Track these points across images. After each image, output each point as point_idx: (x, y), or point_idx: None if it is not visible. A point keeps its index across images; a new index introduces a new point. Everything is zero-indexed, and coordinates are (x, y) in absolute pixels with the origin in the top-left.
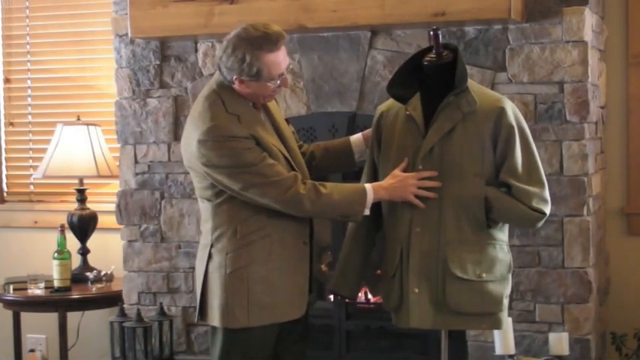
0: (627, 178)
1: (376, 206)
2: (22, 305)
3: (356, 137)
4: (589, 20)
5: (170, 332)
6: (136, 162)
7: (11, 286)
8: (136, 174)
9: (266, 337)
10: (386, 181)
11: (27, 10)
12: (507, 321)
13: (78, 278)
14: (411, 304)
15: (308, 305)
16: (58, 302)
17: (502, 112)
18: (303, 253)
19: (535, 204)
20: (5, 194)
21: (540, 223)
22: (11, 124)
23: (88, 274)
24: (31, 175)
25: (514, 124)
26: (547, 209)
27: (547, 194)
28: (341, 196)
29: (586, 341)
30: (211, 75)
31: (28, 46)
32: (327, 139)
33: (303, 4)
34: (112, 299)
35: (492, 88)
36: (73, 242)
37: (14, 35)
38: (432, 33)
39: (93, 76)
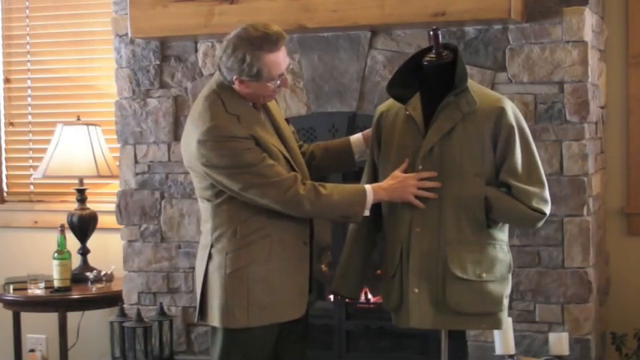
0: (627, 178)
1: (376, 207)
2: (22, 305)
3: (356, 137)
4: (589, 20)
5: (170, 332)
6: (136, 162)
7: (11, 286)
8: (136, 174)
9: (266, 337)
10: (386, 182)
11: (27, 10)
12: (507, 321)
13: (78, 278)
14: (410, 304)
15: (308, 305)
16: (58, 302)
17: (502, 112)
18: (303, 254)
19: (535, 204)
20: (5, 194)
21: (540, 223)
22: (11, 124)
23: (88, 274)
24: (31, 175)
25: (514, 124)
26: (547, 209)
27: (547, 194)
28: (341, 196)
29: (586, 341)
30: (211, 75)
31: (28, 46)
32: (327, 139)
33: (303, 4)
34: (112, 299)
35: (492, 88)
36: (73, 242)
37: (14, 35)
38: (432, 33)
39: (93, 76)
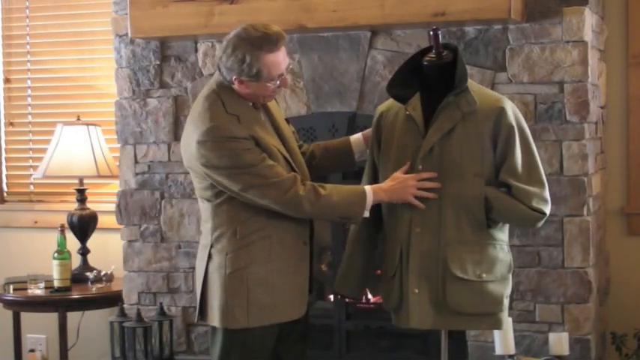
0: (627, 178)
1: (377, 208)
2: (22, 305)
3: (356, 137)
4: (589, 20)
5: (170, 332)
6: (136, 162)
7: (11, 286)
8: (136, 174)
9: (266, 337)
10: (386, 183)
11: (27, 10)
12: (507, 321)
13: (78, 278)
14: (411, 304)
15: (308, 305)
16: (58, 302)
17: (502, 112)
18: (303, 254)
19: (535, 204)
20: (5, 194)
21: (540, 223)
22: (11, 124)
23: (88, 274)
24: (31, 175)
25: (514, 124)
26: (547, 209)
27: (547, 194)
28: (340, 197)
29: (586, 341)
30: (211, 75)
31: (28, 46)
32: (327, 139)
33: (303, 4)
34: (112, 299)
35: (492, 88)
36: (73, 242)
37: (14, 35)
38: (431, 33)
39: (93, 76)
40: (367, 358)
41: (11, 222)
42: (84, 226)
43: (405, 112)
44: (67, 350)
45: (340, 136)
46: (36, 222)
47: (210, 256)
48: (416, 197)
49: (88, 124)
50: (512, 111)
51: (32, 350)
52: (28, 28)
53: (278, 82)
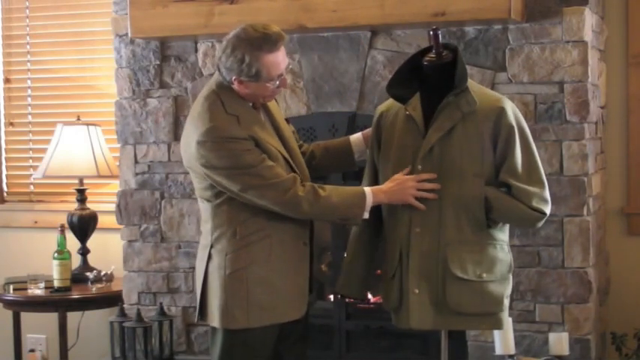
0: (627, 178)
1: (378, 209)
2: (22, 305)
3: (356, 137)
4: (589, 20)
5: (170, 332)
6: (136, 162)
7: (11, 286)
8: (136, 174)
9: (266, 337)
10: (385, 185)
11: (27, 10)
12: (507, 321)
13: (78, 278)
14: (411, 304)
15: (308, 305)
16: (58, 302)
17: (502, 112)
18: (303, 254)
19: (535, 204)
20: (5, 194)
21: (540, 223)
22: (11, 124)
23: (88, 274)
24: (31, 175)
25: (514, 124)
26: (547, 209)
27: (547, 194)
28: (340, 198)
29: (586, 341)
30: (211, 75)
31: (28, 46)
32: (327, 139)
33: (303, 4)
34: (112, 299)
35: (492, 88)
36: (73, 242)
37: (14, 35)
38: (431, 33)
39: (93, 76)
40: (367, 358)
41: (11, 222)
42: (84, 226)
43: (405, 112)
44: (67, 350)
45: (340, 136)
46: (36, 222)
47: (210, 257)
48: (416, 198)
49: (88, 124)
50: (512, 111)
51: (32, 350)
52: (28, 28)
53: (277, 83)
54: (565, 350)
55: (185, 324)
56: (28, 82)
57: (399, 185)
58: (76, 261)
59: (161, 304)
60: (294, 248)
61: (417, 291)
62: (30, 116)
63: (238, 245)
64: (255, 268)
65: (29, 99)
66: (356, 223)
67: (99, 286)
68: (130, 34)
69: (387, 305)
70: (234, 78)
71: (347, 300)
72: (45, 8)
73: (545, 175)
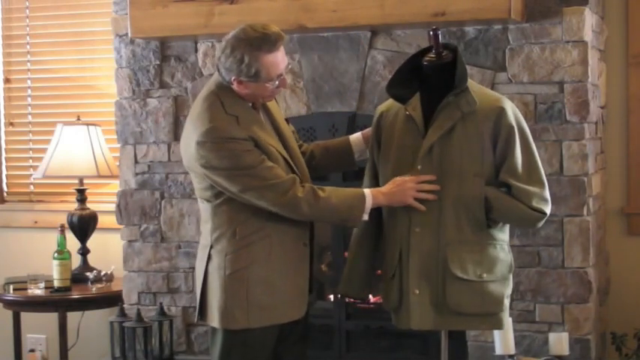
0: (627, 178)
1: (378, 210)
2: (22, 305)
3: (355, 136)
4: (589, 20)
5: (170, 332)
6: (136, 162)
7: (11, 286)
8: (136, 174)
9: (266, 337)
10: (385, 187)
11: (27, 10)
12: (507, 321)
13: (78, 278)
14: (411, 305)
15: (308, 305)
16: (58, 302)
17: (502, 112)
18: (303, 254)
19: (535, 204)
20: (5, 194)
21: (541, 223)
22: (11, 124)
23: (88, 274)
24: (31, 175)
25: (514, 124)
26: (547, 209)
27: (547, 194)
28: (339, 200)
29: (586, 341)
30: (211, 75)
31: (28, 46)
32: (327, 139)
33: (303, 4)
34: (112, 299)
35: (492, 88)
36: (73, 242)
37: (14, 35)
38: (431, 33)
39: (93, 76)
40: (367, 358)
41: (11, 222)
42: (84, 226)
43: (405, 112)
44: (67, 350)
45: (340, 136)
46: (36, 222)
47: (209, 257)
48: (416, 199)
49: (88, 124)
50: (512, 111)
51: (32, 350)
52: (28, 28)
53: (277, 83)
54: (565, 350)
55: (185, 324)
56: (28, 82)
57: (399, 187)
58: (76, 261)
59: (161, 304)
60: (294, 248)
61: (417, 291)
62: (30, 116)
63: (238, 245)
64: (255, 269)
65: (29, 99)
66: (355, 225)
67: (99, 286)
68: (130, 34)
69: (386, 305)
70: (233, 78)
71: (347, 300)
72: (45, 8)
73: (545, 175)
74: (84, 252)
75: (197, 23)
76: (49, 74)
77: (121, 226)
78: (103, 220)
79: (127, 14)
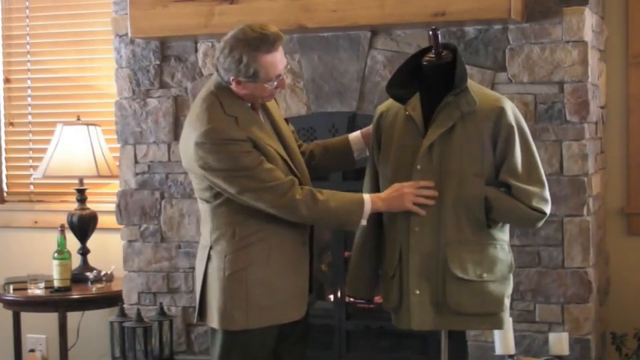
0: (627, 178)
1: (380, 213)
2: (22, 305)
3: (355, 135)
4: (589, 20)
5: (170, 332)
6: (136, 162)
7: (11, 286)
8: (136, 174)
9: (266, 338)
10: (384, 193)
11: (27, 10)
12: (508, 321)
13: (78, 278)
14: (412, 305)
15: (308, 306)
16: (58, 302)
17: (502, 112)
18: (302, 255)
19: (535, 204)
20: (5, 194)
21: (541, 223)
22: (11, 124)
23: (88, 274)
24: (31, 175)
25: (514, 124)
26: (547, 209)
27: (547, 194)
28: (338, 204)
29: (586, 341)
30: (211, 75)
31: (28, 46)
32: (326, 139)
33: (303, 4)
34: (112, 299)
35: (492, 88)
36: (73, 242)
37: (14, 35)
38: (431, 33)
39: (93, 76)
40: (367, 358)
41: (11, 222)
42: (84, 226)
43: (405, 113)
44: (67, 350)
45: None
46: (36, 222)
47: (209, 257)
48: (415, 204)
49: (88, 124)
50: (512, 111)
51: (32, 350)
52: (28, 28)
53: (275, 83)
54: (565, 350)
55: (185, 324)
56: (28, 82)
57: (398, 192)
58: (76, 261)
59: (161, 304)
60: (293, 249)
61: (417, 292)
62: (30, 116)
63: (237, 246)
64: (254, 269)
65: (29, 99)
66: (353, 229)
67: (99, 286)
68: (130, 34)
69: (386, 305)
70: (232, 79)
71: (349, 300)
72: (45, 8)
73: (545, 175)
74: (84, 252)
75: (197, 23)
76: (49, 74)
77: (121, 226)
78: (103, 220)
79: (127, 14)
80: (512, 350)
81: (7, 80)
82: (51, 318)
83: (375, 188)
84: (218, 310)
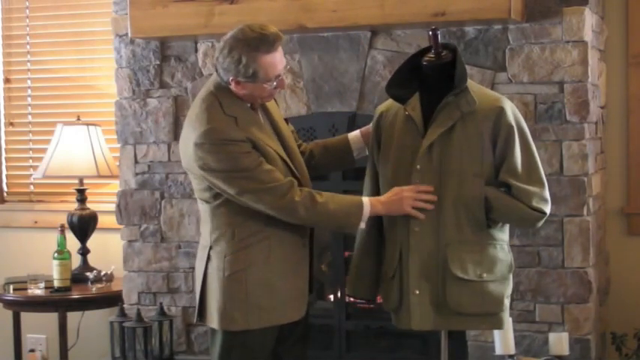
0: (627, 178)
1: (380, 216)
2: (22, 305)
3: (354, 134)
4: (589, 20)
5: (170, 332)
6: (136, 162)
7: (11, 286)
8: (136, 174)
9: (265, 338)
10: (384, 196)
11: (27, 10)
12: (508, 321)
13: (78, 278)
14: (412, 305)
15: (308, 306)
16: (58, 302)
17: (501, 111)
18: (302, 255)
19: (535, 203)
20: (5, 194)
21: (540, 223)
22: (11, 124)
23: (88, 274)
24: (31, 175)
25: (513, 123)
26: (547, 209)
27: (547, 194)
28: (337, 206)
29: (586, 341)
30: (211, 75)
31: (28, 46)
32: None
33: (303, 4)
34: (112, 299)
35: (492, 88)
36: (73, 242)
37: (14, 35)
38: (431, 33)
39: (93, 76)
40: (367, 358)
41: (11, 222)
42: (84, 226)
43: (405, 113)
44: (67, 350)
45: None
46: (36, 222)
47: (209, 258)
48: (414, 208)
49: (88, 124)
50: (512, 111)
51: (32, 350)
52: (28, 28)
53: (275, 84)
54: (565, 350)
55: (185, 324)
56: (28, 82)
57: (397, 196)
58: (76, 261)
59: (161, 304)
60: (293, 249)
61: (417, 292)
62: (30, 116)
63: (237, 247)
64: (254, 270)
65: (29, 99)
66: (352, 232)
67: (99, 286)
68: (130, 34)
69: (386, 305)
70: (231, 79)
71: (349, 300)
72: (45, 8)
73: (545, 175)
74: (84, 252)
75: (197, 23)
76: (49, 74)
77: (121, 226)
78: (103, 220)
79: (127, 14)
80: (512, 350)
81: (7, 80)
82: (51, 318)
83: (375, 188)
84: (218, 310)
